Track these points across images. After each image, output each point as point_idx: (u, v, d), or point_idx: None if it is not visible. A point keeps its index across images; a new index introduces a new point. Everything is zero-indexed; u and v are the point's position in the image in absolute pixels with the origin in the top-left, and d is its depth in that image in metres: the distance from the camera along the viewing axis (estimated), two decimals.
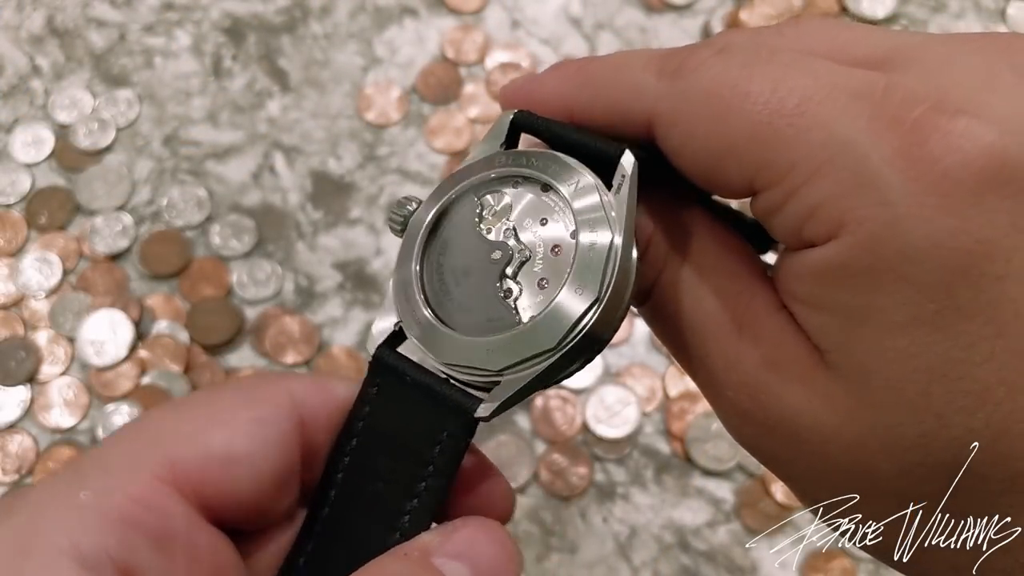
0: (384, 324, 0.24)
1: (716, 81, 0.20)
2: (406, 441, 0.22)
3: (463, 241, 0.24)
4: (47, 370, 0.49)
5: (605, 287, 0.21)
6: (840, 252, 0.19)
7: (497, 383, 0.22)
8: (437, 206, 0.24)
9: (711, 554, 0.46)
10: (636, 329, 0.51)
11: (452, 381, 0.22)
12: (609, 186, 0.22)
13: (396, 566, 0.20)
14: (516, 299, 0.23)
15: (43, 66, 0.58)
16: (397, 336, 0.24)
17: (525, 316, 0.22)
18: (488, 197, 0.24)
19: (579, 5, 0.59)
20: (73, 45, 0.58)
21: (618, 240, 0.21)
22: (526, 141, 0.26)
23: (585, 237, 0.22)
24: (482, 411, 0.22)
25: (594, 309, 0.21)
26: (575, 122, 0.24)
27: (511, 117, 0.25)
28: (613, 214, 0.22)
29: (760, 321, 0.21)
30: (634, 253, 0.22)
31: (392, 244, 0.53)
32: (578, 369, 0.22)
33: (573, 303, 0.21)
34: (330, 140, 0.55)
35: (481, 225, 0.24)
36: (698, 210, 0.25)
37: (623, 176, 0.22)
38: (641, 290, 0.24)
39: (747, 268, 0.23)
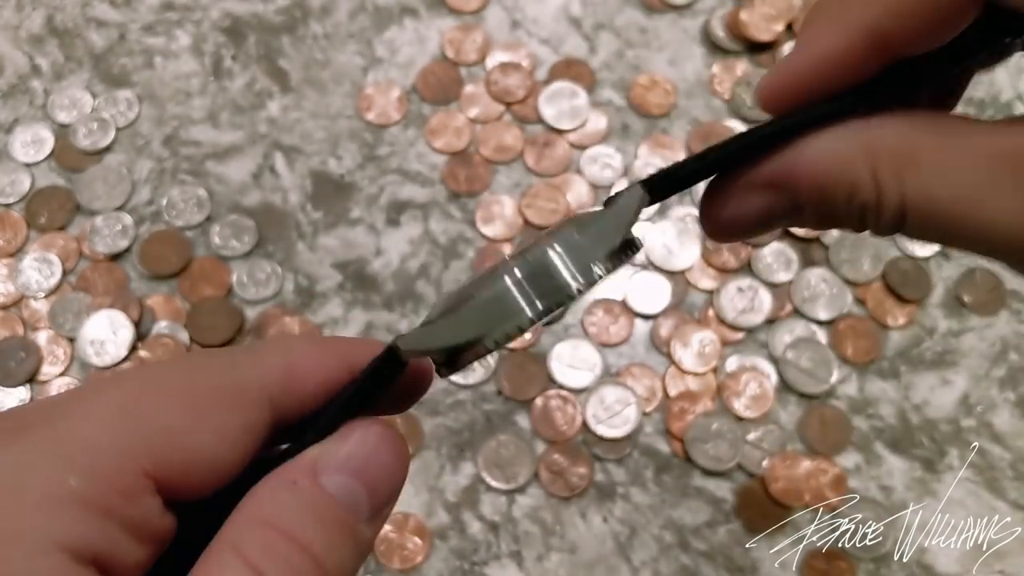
0: None
1: None
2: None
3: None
4: (47, 370, 0.49)
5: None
6: None
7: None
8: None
9: (711, 554, 0.46)
10: (636, 329, 0.51)
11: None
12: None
13: (284, 496, 0.19)
14: None
15: (43, 66, 0.58)
16: None
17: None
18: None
19: (579, 5, 0.59)
20: (73, 45, 0.58)
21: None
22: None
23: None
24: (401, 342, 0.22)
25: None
26: (883, 52, 0.21)
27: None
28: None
29: None
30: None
31: (391, 244, 0.53)
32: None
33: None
34: (330, 140, 0.55)
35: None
36: (919, 115, 0.22)
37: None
38: (886, 224, 0.22)
39: (980, 133, 0.21)
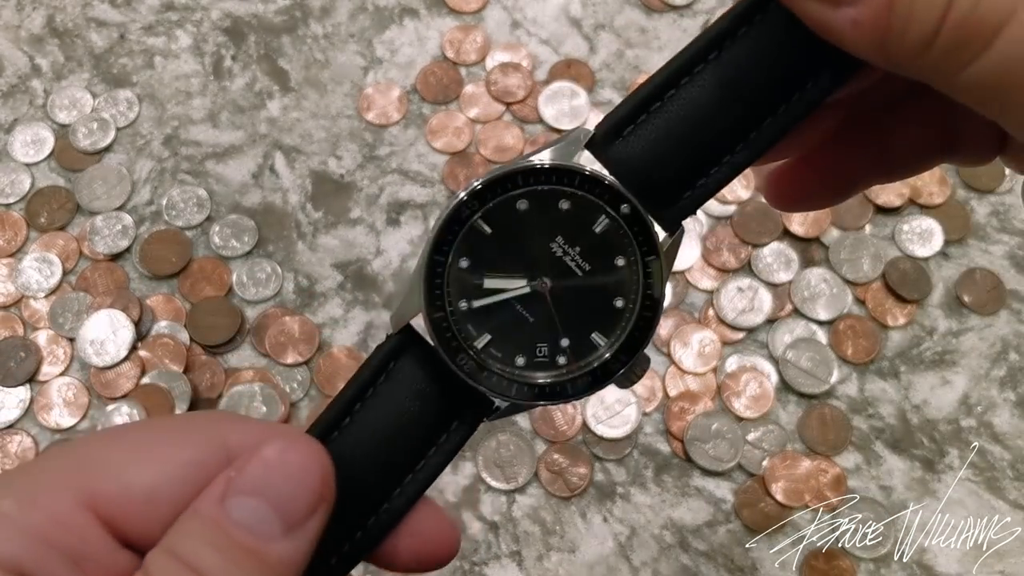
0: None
1: None
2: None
3: None
4: (47, 370, 0.49)
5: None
6: None
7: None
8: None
9: (711, 554, 0.46)
10: None
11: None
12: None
13: (188, 524, 0.20)
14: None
15: (43, 66, 0.58)
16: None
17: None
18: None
19: (579, 5, 0.59)
20: (73, 45, 0.58)
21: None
22: None
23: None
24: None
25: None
26: None
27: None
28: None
29: None
30: None
31: (392, 243, 0.53)
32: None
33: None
34: (330, 140, 0.55)
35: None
36: None
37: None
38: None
39: None
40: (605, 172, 0.23)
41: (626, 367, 0.24)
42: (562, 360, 0.24)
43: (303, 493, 0.20)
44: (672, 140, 0.23)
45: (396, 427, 0.23)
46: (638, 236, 0.23)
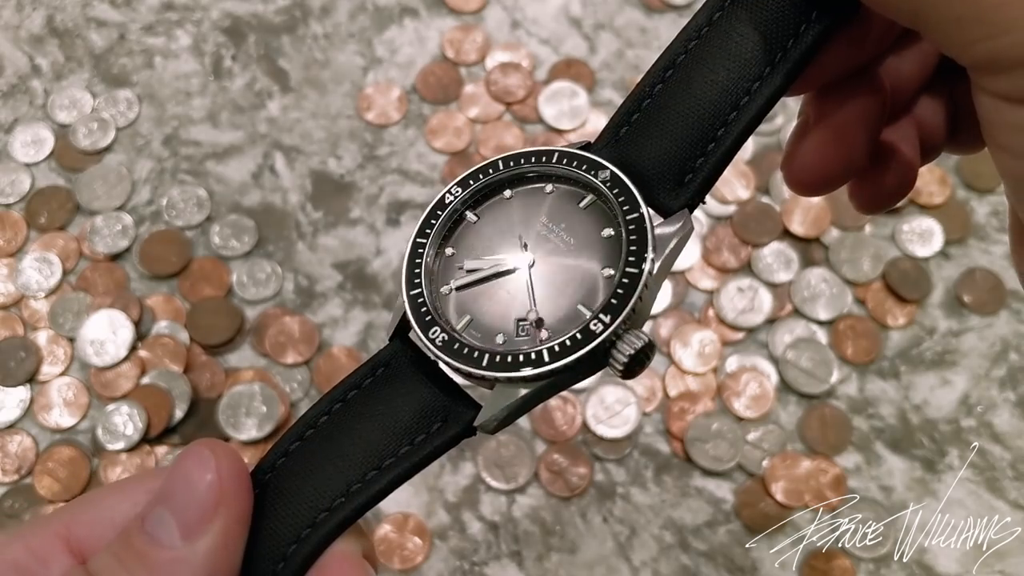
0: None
1: None
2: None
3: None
4: (47, 370, 0.49)
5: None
6: None
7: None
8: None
9: (711, 554, 0.46)
10: None
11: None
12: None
13: (113, 540, 0.21)
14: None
15: (43, 66, 0.58)
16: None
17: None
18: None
19: (579, 5, 0.59)
20: (73, 45, 0.58)
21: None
22: None
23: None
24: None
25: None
26: None
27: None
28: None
29: None
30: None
31: (391, 243, 0.53)
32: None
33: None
34: (330, 140, 0.55)
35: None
36: None
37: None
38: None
39: None
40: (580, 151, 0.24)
41: (610, 329, 0.21)
42: (544, 334, 0.23)
43: (198, 498, 0.21)
44: (661, 126, 0.24)
45: (373, 425, 0.23)
46: (619, 197, 0.23)
